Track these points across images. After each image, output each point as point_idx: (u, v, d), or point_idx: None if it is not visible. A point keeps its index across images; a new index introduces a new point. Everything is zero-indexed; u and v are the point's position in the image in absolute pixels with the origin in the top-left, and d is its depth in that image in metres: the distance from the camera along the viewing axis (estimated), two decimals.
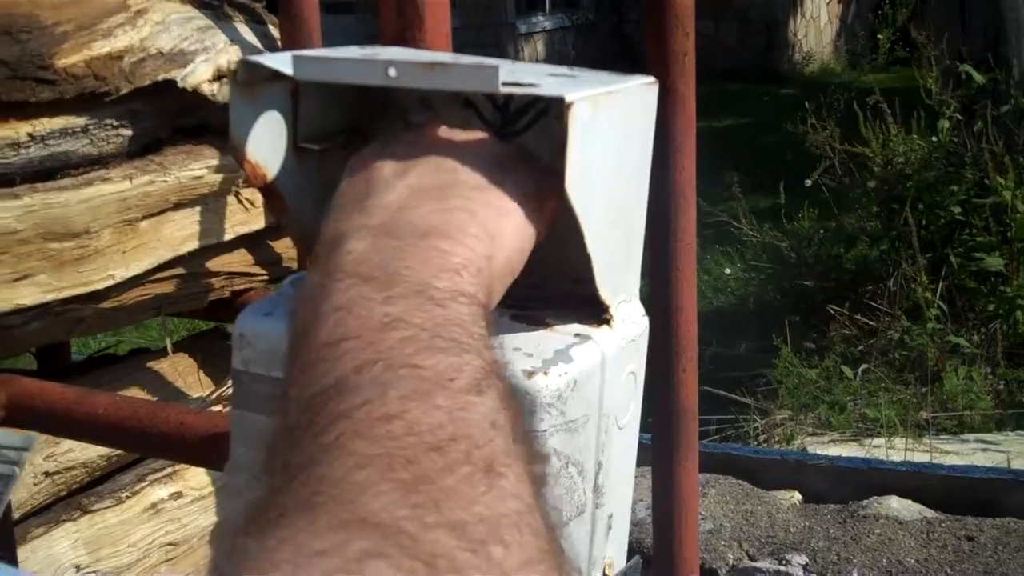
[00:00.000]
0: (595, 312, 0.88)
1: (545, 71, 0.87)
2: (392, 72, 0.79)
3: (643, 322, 0.93)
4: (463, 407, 0.48)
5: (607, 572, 0.93)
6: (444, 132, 0.75)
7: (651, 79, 0.88)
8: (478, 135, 0.76)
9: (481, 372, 0.52)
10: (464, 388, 0.49)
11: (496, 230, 0.67)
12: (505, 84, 0.76)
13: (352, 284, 0.57)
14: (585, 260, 0.83)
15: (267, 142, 0.89)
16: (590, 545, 0.89)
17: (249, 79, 0.86)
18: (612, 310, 0.88)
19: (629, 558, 0.98)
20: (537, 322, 0.87)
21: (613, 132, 0.83)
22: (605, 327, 0.88)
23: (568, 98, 0.75)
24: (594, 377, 0.86)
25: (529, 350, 0.84)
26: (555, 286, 0.94)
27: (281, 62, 0.84)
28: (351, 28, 14.99)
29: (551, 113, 0.92)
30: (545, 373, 0.81)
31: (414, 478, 0.43)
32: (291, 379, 0.54)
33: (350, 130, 0.98)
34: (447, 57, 0.92)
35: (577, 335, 0.86)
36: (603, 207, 0.84)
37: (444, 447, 0.45)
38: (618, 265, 0.89)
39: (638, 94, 0.86)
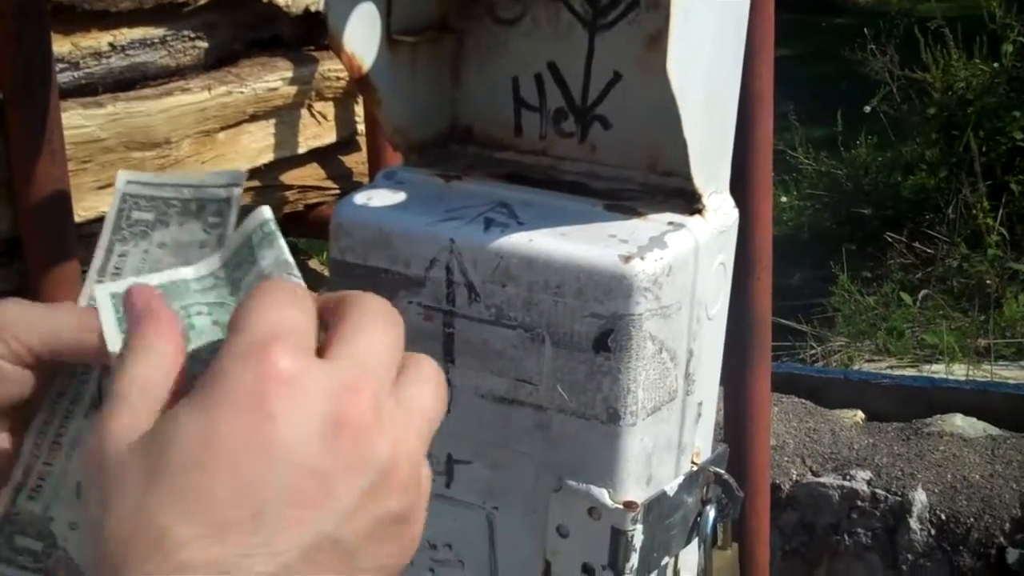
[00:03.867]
0: (686, 202, 0.89)
1: None
2: None
3: (733, 213, 0.94)
4: None
5: (695, 460, 0.95)
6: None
7: None
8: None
9: None
10: None
11: None
12: None
13: None
14: (681, 145, 0.84)
15: (362, 34, 0.90)
16: (680, 431, 0.91)
17: None
18: (704, 200, 0.89)
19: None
20: (630, 211, 0.88)
21: (711, 18, 0.83)
22: (697, 216, 0.89)
23: None
24: (688, 264, 0.87)
25: (624, 236, 0.85)
26: (643, 179, 0.94)
27: None
28: None
29: (641, 5, 0.92)
30: (641, 258, 0.83)
31: None
32: None
33: (440, 25, 0.98)
34: None
35: (671, 223, 0.87)
36: (700, 91, 0.84)
37: None
38: (711, 153, 0.90)
39: None
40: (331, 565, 0.48)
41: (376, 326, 0.53)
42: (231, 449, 0.47)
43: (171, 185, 0.63)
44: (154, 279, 0.60)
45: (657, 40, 0.88)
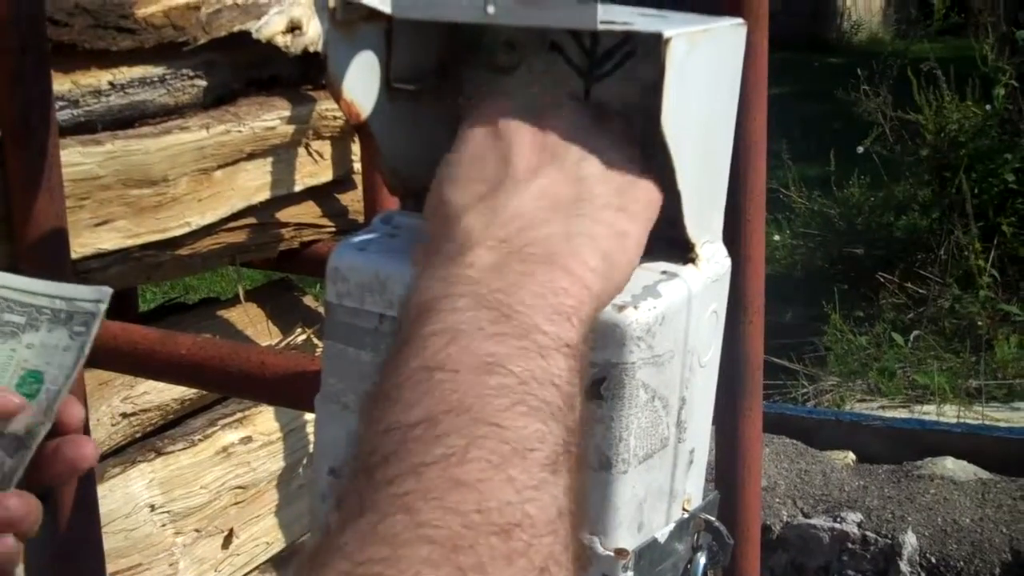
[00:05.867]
0: (680, 251, 0.90)
1: (636, 12, 0.88)
2: (491, 9, 0.81)
3: (726, 262, 0.95)
4: (537, 485, 0.49)
5: (685, 507, 0.95)
6: (573, 113, 0.76)
7: (740, 20, 0.89)
8: (609, 121, 0.79)
9: (562, 445, 0.53)
10: (541, 462, 0.51)
11: (615, 254, 0.70)
12: (602, 22, 0.78)
13: (467, 306, 0.57)
14: (675, 198, 0.85)
15: (362, 81, 0.91)
16: (672, 478, 0.92)
17: (347, 18, 0.88)
18: (698, 249, 0.90)
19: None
20: None
21: (706, 70, 0.84)
22: (691, 265, 0.90)
23: (666, 34, 0.77)
24: (681, 313, 0.87)
25: None
26: None
27: (379, 0, 0.86)
28: None
29: (637, 55, 0.93)
30: (635, 307, 0.83)
31: (472, 565, 0.44)
32: (381, 389, 0.54)
33: (439, 73, 1.00)
34: None
35: (664, 272, 0.88)
36: (694, 145, 0.85)
37: (508, 531, 0.46)
38: (705, 204, 0.90)
39: (728, 34, 0.88)
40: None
41: None
42: (473, 145, 0.72)
43: (45, 295, 0.71)
44: None
45: (651, 91, 0.89)
